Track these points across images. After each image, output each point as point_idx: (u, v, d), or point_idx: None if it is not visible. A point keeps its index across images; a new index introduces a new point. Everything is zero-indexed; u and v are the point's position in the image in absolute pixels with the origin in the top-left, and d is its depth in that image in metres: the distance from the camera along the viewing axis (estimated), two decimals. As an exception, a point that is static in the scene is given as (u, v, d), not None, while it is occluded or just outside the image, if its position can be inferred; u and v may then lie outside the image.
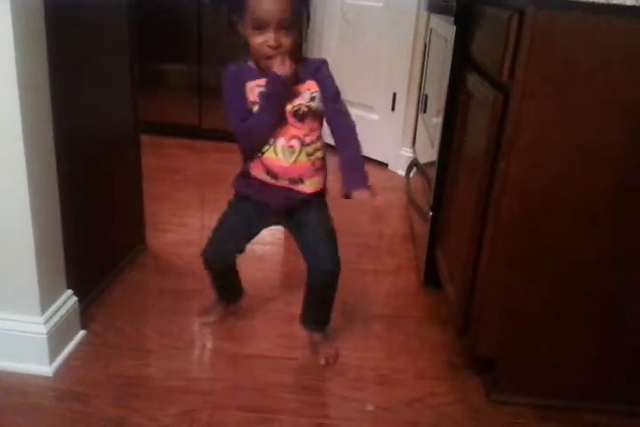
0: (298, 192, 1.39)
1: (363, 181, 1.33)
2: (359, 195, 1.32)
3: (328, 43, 3.27)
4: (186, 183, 2.76)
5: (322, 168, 1.42)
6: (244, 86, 1.34)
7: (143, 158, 1.98)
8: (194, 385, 1.42)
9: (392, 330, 1.69)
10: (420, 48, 2.84)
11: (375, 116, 3.15)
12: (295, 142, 1.35)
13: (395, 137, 3.07)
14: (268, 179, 1.39)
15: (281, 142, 1.35)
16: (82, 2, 1.49)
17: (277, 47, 1.26)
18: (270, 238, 2.22)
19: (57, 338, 1.44)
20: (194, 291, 1.79)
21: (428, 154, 2.03)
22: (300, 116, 1.34)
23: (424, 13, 2.74)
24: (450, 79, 1.72)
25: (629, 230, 1.24)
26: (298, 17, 1.27)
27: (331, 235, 1.45)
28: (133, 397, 1.36)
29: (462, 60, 1.67)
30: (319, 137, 1.39)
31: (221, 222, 1.49)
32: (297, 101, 1.34)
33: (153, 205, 2.19)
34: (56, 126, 1.37)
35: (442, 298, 1.75)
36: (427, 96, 2.28)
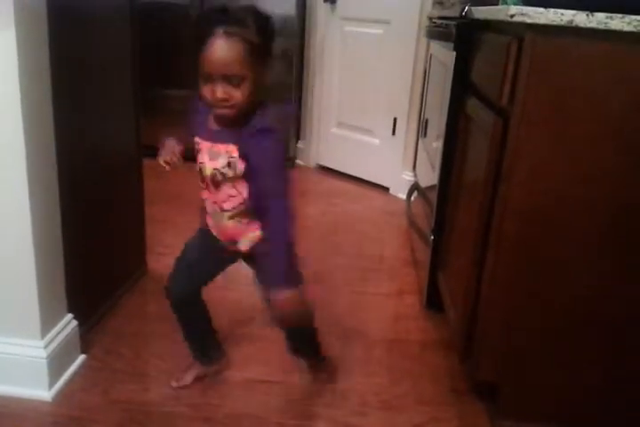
0: (237, 251, 1.30)
1: (280, 280, 1.18)
2: (275, 296, 1.17)
3: (329, 69, 3.30)
4: (187, 207, 2.75)
5: (257, 223, 1.25)
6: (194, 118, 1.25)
7: (145, 182, 1.99)
8: (194, 411, 1.40)
9: (394, 354, 1.68)
10: (420, 73, 2.87)
11: (376, 141, 3.17)
12: (216, 207, 1.25)
13: (395, 161, 3.08)
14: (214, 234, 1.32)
15: (208, 205, 1.27)
16: (85, 27, 1.52)
17: (225, 100, 1.11)
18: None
19: (57, 362, 1.43)
20: (195, 315, 1.78)
21: (429, 178, 2.04)
22: (216, 183, 1.21)
23: (424, 40, 2.78)
24: (450, 104, 1.73)
25: (630, 255, 1.24)
26: (251, 70, 1.10)
27: None
28: (133, 422, 1.35)
29: (462, 86, 1.69)
30: (242, 202, 1.22)
31: (184, 251, 1.40)
32: (213, 165, 1.20)
33: (155, 229, 2.19)
34: (58, 150, 1.38)
35: (444, 322, 1.74)
36: (427, 120, 2.30)
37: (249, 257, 1.32)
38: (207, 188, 1.24)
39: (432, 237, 1.86)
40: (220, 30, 1.07)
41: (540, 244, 1.25)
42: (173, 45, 3.26)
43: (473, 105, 1.54)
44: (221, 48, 1.07)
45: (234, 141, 1.17)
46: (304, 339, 1.48)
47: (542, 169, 1.20)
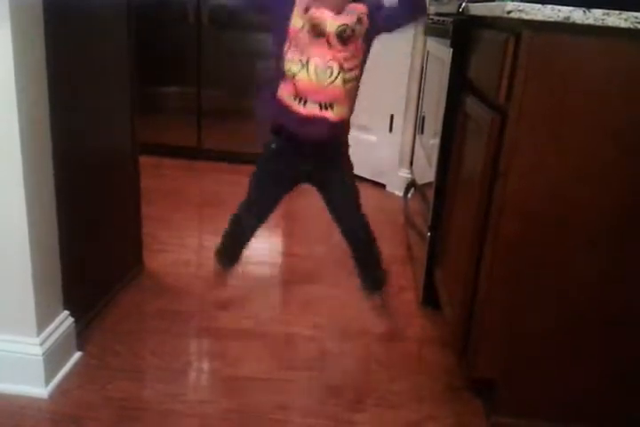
0: (323, 120, 1.39)
1: None
2: None
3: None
4: (184, 204, 2.76)
5: (353, 98, 1.43)
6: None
7: (142, 179, 1.98)
8: (190, 408, 1.40)
9: (391, 352, 1.68)
10: (417, 70, 2.87)
11: (373, 138, 3.17)
12: (334, 65, 1.34)
13: (392, 158, 3.08)
14: (294, 105, 1.37)
15: (316, 62, 1.34)
16: (82, 25, 1.51)
17: None
18: (268, 258, 2.21)
19: (53, 360, 1.42)
20: (190, 312, 1.78)
21: (426, 175, 2.04)
22: (344, 38, 1.33)
23: (421, 36, 2.77)
24: (447, 101, 1.73)
25: (628, 251, 1.24)
26: None
27: (350, 191, 1.55)
28: (129, 420, 1.35)
29: (459, 82, 1.69)
30: (359, 66, 1.38)
31: (255, 182, 1.54)
32: (343, 20, 1.33)
33: (151, 226, 2.19)
34: (54, 147, 1.38)
35: (441, 319, 1.74)
36: (424, 117, 2.30)
37: (319, 172, 1.51)
38: (327, 44, 1.33)
39: (429, 235, 1.86)
40: None
41: (537, 242, 1.25)
42: (171, 43, 3.26)
43: (470, 102, 1.54)
44: None
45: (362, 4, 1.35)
46: (368, 251, 1.67)
47: (540, 166, 1.20)
